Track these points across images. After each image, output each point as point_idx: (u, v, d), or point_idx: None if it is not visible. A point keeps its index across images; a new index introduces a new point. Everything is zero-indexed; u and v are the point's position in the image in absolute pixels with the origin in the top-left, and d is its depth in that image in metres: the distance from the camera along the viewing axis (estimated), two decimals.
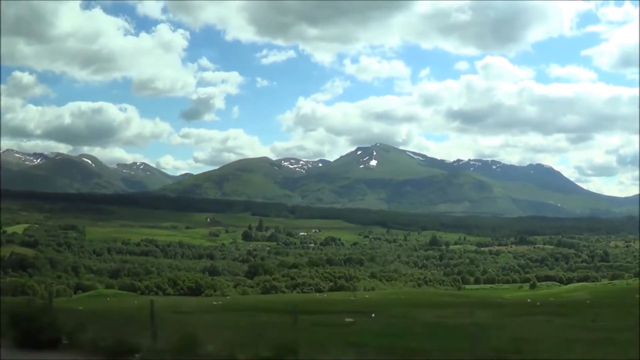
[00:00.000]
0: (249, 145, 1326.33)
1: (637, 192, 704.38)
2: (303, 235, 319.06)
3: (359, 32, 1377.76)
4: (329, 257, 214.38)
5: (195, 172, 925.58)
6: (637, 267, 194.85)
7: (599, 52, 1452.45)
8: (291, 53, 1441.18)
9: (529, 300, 73.31)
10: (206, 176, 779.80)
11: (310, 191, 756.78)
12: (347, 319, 26.07)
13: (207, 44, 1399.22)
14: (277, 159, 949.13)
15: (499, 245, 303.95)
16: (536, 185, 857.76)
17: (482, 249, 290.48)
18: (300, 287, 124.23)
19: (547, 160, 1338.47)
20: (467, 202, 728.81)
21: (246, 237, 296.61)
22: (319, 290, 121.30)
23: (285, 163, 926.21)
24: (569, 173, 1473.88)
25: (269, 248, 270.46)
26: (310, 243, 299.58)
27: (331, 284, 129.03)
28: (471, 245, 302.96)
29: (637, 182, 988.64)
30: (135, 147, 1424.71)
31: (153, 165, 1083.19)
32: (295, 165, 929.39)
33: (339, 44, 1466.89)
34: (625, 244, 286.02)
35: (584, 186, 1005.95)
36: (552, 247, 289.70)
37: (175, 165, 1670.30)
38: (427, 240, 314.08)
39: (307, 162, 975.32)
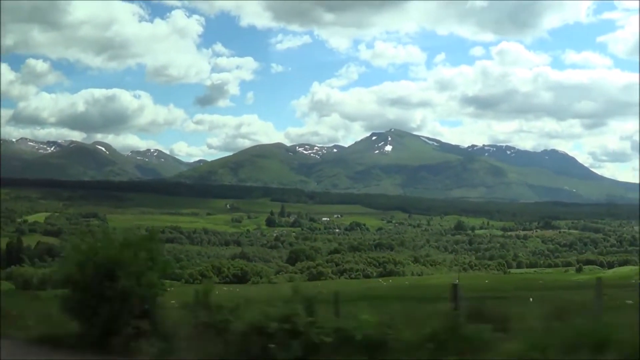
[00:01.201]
0: (263, 131, 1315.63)
1: None
2: (326, 220, 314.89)
3: (374, 17, 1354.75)
4: (359, 242, 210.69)
5: (209, 159, 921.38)
6: None
7: (614, 38, 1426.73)
8: (306, 38, 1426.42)
9: None
10: (221, 162, 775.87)
11: (325, 177, 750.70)
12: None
13: (222, 29, 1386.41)
14: (291, 144, 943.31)
15: (524, 230, 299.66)
16: (551, 171, 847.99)
17: (508, 233, 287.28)
18: (348, 272, 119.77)
19: (561, 146, 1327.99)
20: (482, 188, 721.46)
21: (270, 223, 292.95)
22: (367, 276, 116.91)
23: (300, 149, 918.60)
24: (583, 159, 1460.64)
25: (294, 234, 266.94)
26: (335, 228, 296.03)
27: (379, 269, 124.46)
28: (497, 230, 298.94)
29: None
30: (149, 134, 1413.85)
31: (167, 152, 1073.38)
32: (310, 151, 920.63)
33: (354, 29, 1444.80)
34: None
35: (598, 172, 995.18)
36: (577, 231, 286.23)
37: (189, 151, 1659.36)
38: (451, 225, 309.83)
39: (321, 147, 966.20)
